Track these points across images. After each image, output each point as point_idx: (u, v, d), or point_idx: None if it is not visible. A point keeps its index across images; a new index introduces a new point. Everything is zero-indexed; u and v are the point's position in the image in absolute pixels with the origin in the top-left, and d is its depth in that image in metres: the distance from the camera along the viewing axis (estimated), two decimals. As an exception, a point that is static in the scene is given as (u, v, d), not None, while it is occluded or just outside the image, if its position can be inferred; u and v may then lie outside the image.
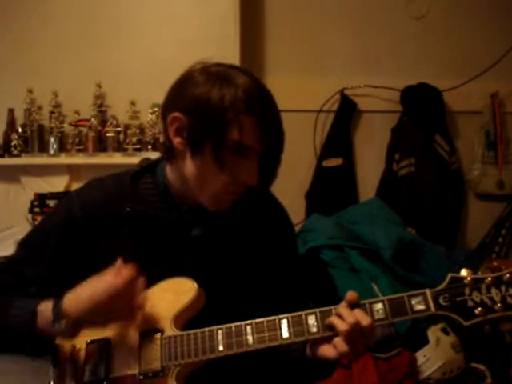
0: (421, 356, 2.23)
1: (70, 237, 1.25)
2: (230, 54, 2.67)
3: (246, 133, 1.14)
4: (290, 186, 2.83)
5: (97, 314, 1.13)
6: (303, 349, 1.19)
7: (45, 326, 1.16)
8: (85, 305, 1.13)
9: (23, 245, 1.31)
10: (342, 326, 1.08)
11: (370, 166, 3.04)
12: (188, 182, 1.21)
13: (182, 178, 1.23)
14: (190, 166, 1.19)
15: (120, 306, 1.13)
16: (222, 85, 1.14)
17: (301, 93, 2.89)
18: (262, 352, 1.13)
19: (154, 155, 1.37)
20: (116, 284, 1.11)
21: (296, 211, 2.69)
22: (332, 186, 2.97)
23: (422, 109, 2.93)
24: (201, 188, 1.20)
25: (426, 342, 2.24)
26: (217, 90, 1.14)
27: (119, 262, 1.14)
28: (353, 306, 1.11)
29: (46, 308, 1.16)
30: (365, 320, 1.08)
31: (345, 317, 1.09)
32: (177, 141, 1.19)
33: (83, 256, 1.25)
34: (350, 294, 1.12)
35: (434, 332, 2.25)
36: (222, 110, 1.13)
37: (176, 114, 1.18)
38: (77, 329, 1.16)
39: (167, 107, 1.21)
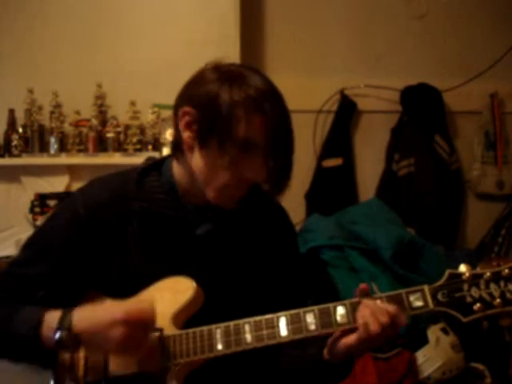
0: (420, 356, 2.23)
1: (74, 237, 1.25)
2: (230, 54, 2.66)
3: (253, 131, 1.14)
4: (290, 186, 2.83)
5: (95, 339, 1.11)
6: (320, 352, 1.20)
7: (48, 334, 1.13)
8: (89, 323, 1.11)
9: (28, 246, 1.30)
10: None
11: (369, 166, 3.04)
12: (195, 177, 1.22)
13: (189, 173, 1.23)
14: (197, 159, 1.20)
15: (114, 339, 1.09)
16: (233, 82, 1.16)
17: (301, 93, 2.88)
18: (263, 351, 1.14)
19: (154, 155, 1.38)
20: (116, 316, 1.09)
21: (296, 211, 2.69)
22: (332, 186, 2.97)
23: (421, 109, 2.93)
24: (207, 181, 1.20)
25: (425, 341, 2.25)
26: (227, 87, 1.15)
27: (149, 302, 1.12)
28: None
29: (52, 316, 1.14)
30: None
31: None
32: (186, 135, 1.20)
33: (89, 256, 1.24)
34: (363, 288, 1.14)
35: (433, 332, 2.26)
36: (231, 106, 1.14)
37: (186, 109, 1.19)
38: (76, 344, 1.12)
39: (179, 103, 1.22)
